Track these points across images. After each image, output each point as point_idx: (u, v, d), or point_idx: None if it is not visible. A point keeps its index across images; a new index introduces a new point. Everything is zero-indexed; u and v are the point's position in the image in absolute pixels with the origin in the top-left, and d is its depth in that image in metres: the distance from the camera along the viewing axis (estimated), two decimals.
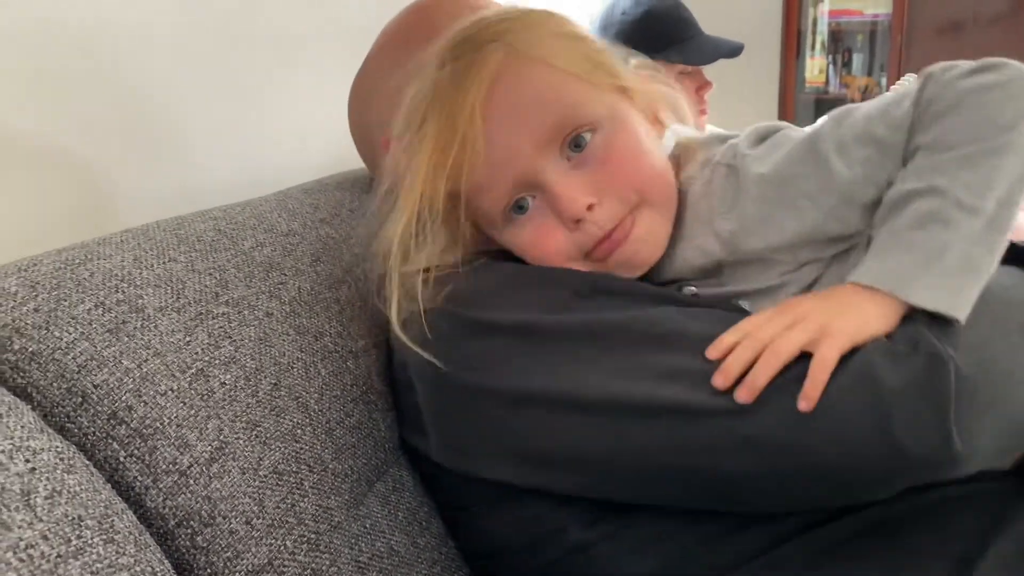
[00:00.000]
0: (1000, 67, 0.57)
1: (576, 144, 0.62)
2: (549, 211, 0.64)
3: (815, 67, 3.61)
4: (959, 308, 0.53)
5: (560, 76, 0.62)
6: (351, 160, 0.99)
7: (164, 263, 0.64)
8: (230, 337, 0.63)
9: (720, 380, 0.54)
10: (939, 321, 0.53)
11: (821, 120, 0.63)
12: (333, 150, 1.06)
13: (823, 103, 3.56)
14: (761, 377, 0.53)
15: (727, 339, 0.55)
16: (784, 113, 3.59)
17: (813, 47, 3.60)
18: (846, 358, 0.53)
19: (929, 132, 0.57)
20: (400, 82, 0.86)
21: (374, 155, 0.92)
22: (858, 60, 3.67)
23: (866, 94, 3.58)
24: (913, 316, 0.54)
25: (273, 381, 0.64)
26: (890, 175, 0.59)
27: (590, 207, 0.62)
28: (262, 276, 0.69)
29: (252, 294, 0.67)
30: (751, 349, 0.54)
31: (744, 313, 0.61)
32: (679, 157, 0.69)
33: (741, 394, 0.53)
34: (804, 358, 0.53)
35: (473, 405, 0.63)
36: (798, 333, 0.53)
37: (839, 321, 0.54)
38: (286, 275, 0.72)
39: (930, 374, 0.51)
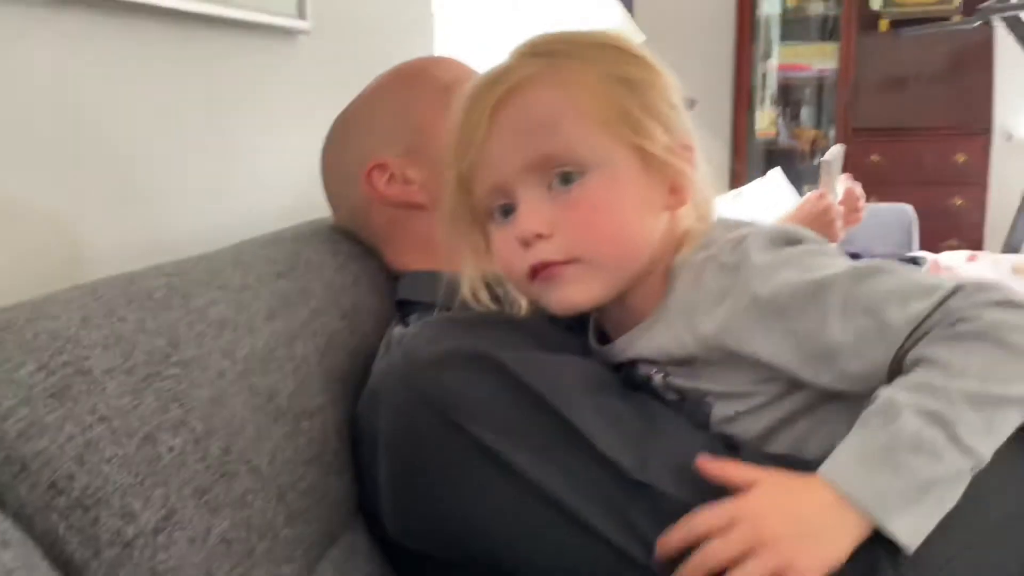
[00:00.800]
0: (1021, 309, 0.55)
1: (566, 179, 0.63)
2: None
3: (765, 119, 3.70)
4: (918, 541, 0.52)
5: (573, 112, 0.62)
6: (313, 210, 0.98)
7: (113, 322, 0.61)
8: (180, 400, 0.61)
9: None
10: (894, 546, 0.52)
11: (844, 267, 0.60)
12: (294, 202, 1.05)
13: (774, 153, 3.65)
14: None
15: (675, 539, 0.54)
16: (736, 163, 3.66)
17: (763, 100, 3.70)
18: None
19: (943, 348, 0.54)
20: (391, 110, 0.88)
21: (347, 194, 0.92)
22: (807, 112, 3.78)
23: (814, 146, 3.68)
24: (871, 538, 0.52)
25: (224, 445, 0.62)
26: (876, 358, 0.57)
27: (539, 236, 0.63)
28: (214, 334, 0.67)
29: (204, 353, 0.65)
30: (701, 571, 0.52)
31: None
32: (685, 236, 0.68)
33: None
34: None
35: (436, 501, 0.64)
36: (757, 567, 0.51)
37: (806, 556, 0.51)
38: (239, 332, 0.70)
39: None
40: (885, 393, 0.54)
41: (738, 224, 0.68)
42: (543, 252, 0.63)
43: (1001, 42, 3.25)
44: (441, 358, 0.65)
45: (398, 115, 0.90)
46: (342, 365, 0.80)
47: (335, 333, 0.81)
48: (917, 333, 0.55)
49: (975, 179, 3.43)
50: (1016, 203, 2.93)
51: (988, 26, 3.24)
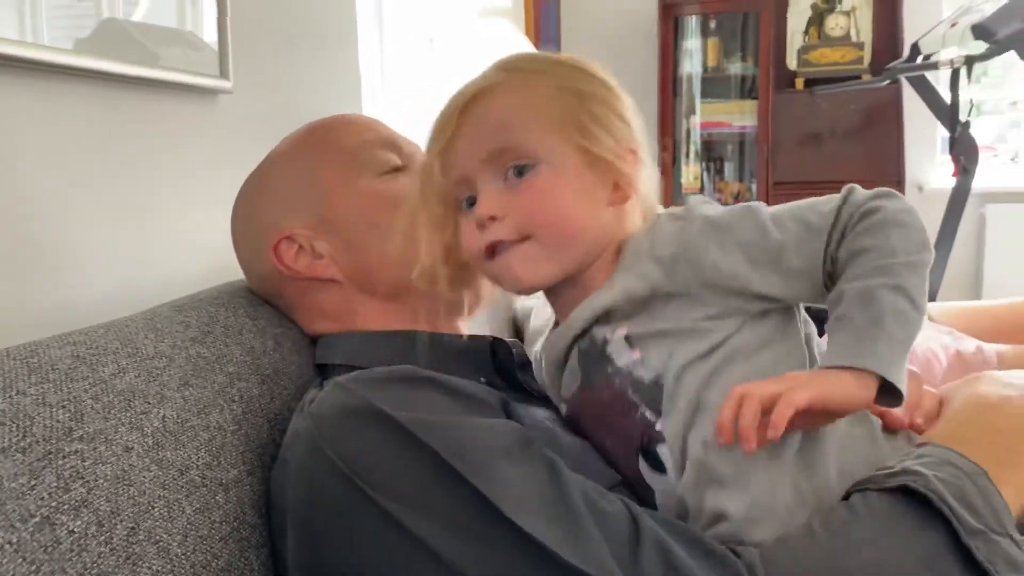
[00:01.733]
0: (895, 196, 0.69)
1: (519, 171, 0.70)
2: None
3: (690, 174, 3.80)
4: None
5: (527, 114, 0.71)
6: (236, 272, 0.95)
7: (11, 396, 0.58)
8: (82, 478, 0.57)
9: (722, 439, 0.62)
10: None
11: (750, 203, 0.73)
12: (216, 264, 1.02)
13: None
14: (747, 419, 0.60)
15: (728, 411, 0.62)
16: None
17: (688, 155, 3.80)
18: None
19: (868, 238, 0.66)
20: (298, 179, 0.87)
21: (255, 264, 0.90)
22: (729, 167, 3.89)
23: (738, 199, 3.78)
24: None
25: (130, 525, 0.58)
26: (813, 249, 0.68)
27: (492, 218, 0.70)
28: (123, 406, 0.64)
29: (110, 427, 0.62)
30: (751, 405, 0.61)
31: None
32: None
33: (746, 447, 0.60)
34: None
35: (342, 570, 0.62)
36: (774, 385, 0.61)
37: (817, 385, 0.62)
38: (150, 403, 0.67)
39: None
40: (847, 288, 0.65)
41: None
42: (496, 232, 0.70)
43: (908, 100, 3.40)
44: (344, 421, 0.65)
45: (304, 184, 0.88)
46: (260, 433, 0.77)
47: (253, 399, 0.78)
48: (835, 228, 0.68)
49: None
50: None
51: (896, 84, 3.39)
